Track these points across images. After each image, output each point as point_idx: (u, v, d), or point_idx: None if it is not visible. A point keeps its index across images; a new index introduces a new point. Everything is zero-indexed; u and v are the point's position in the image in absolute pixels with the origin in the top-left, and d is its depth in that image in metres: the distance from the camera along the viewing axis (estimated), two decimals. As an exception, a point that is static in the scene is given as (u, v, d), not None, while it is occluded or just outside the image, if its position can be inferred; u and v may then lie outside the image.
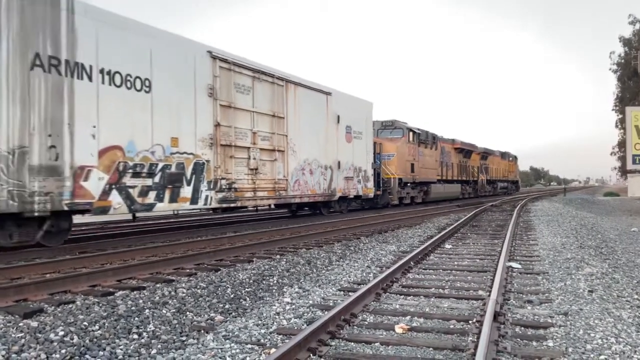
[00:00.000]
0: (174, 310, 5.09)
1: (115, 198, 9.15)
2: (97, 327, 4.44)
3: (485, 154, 37.79)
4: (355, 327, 4.52)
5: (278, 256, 8.51)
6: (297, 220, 15.43)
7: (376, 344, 4.06)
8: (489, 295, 5.25)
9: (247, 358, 3.76)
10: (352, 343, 4.10)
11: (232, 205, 12.20)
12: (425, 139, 25.73)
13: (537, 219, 16.35)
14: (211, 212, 14.90)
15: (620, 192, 49.12)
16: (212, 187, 11.32)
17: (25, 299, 5.38)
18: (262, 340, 4.16)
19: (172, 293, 5.79)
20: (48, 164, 8.08)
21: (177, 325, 4.65)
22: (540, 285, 6.25)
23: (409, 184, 23.49)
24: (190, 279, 6.62)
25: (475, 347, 3.69)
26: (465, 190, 33.30)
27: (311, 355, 3.77)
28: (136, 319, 4.75)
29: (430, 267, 7.51)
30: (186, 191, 10.65)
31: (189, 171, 10.71)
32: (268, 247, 9.41)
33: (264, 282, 6.59)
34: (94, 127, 8.81)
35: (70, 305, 5.15)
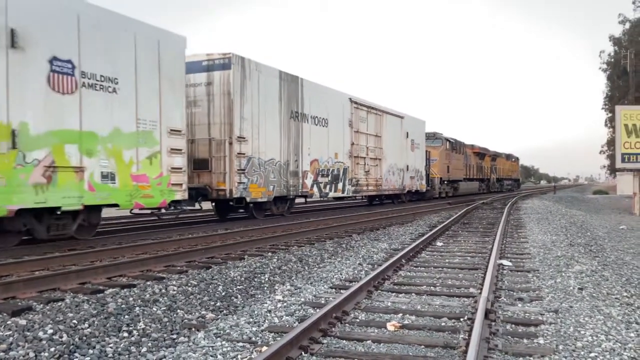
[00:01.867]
0: (164, 308, 5.06)
1: (315, 189, 16.01)
2: (86, 325, 4.40)
3: (495, 156, 44.12)
4: (347, 324, 4.52)
5: (270, 254, 8.48)
6: (374, 207, 21.41)
7: (368, 341, 4.06)
8: (480, 293, 5.27)
9: (239, 356, 3.74)
10: (344, 341, 4.09)
11: (357, 195, 19.41)
12: (455, 146, 31.91)
13: (528, 217, 16.46)
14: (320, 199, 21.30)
15: (609, 190, 49.62)
16: (349, 183, 18.20)
17: (13, 297, 5.33)
18: (253, 338, 4.14)
19: (163, 291, 5.75)
20: (294, 170, 14.90)
21: (167, 323, 4.62)
22: (531, 282, 6.28)
23: (445, 182, 29.86)
24: (181, 276, 6.59)
25: (467, 345, 3.70)
26: (481, 187, 39.43)
27: (303, 353, 3.76)
28: (126, 316, 4.71)
29: (422, 265, 7.52)
30: (340, 185, 17.60)
31: (341, 173, 17.63)
32: (260, 244, 9.38)
33: (256, 279, 6.57)
34: (309, 148, 15.61)
35: (59, 303, 5.10)
